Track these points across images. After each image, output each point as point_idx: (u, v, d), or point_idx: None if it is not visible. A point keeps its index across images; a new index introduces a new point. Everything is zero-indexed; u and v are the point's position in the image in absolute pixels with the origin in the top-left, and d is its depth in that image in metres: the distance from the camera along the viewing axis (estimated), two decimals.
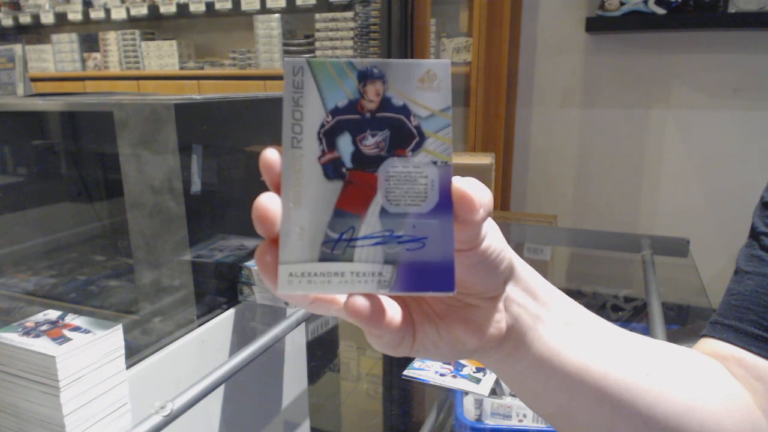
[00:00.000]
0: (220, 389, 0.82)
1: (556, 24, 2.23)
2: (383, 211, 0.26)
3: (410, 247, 0.25)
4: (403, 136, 0.26)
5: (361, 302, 0.25)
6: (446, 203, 0.26)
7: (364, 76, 0.26)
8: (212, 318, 0.83)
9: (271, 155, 0.26)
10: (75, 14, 3.22)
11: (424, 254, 0.26)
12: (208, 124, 0.83)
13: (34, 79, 1.29)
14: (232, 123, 0.89)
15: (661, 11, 1.98)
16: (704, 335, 0.45)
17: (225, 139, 0.87)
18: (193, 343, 0.79)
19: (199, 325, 0.81)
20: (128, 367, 0.62)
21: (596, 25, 2.09)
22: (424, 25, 1.66)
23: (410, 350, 0.30)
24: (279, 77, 2.72)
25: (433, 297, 0.31)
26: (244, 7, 2.77)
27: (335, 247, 0.25)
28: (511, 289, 0.31)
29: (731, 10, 1.93)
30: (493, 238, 0.28)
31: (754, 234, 0.47)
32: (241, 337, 0.88)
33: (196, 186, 0.80)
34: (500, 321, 0.30)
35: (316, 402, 1.10)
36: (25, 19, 3.35)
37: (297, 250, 0.25)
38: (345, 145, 0.26)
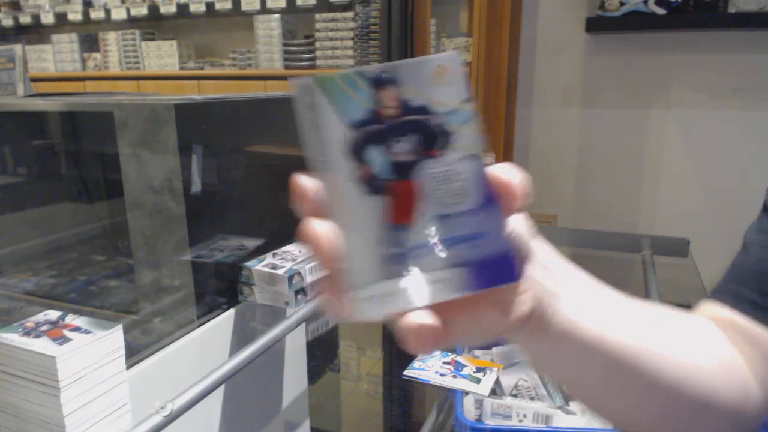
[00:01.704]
0: (220, 389, 0.82)
1: (556, 24, 2.23)
2: (430, 216, 0.25)
3: (467, 245, 0.25)
4: (430, 137, 0.25)
5: (421, 319, 0.25)
6: (488, 194, 0.26)
7: (377, 83, 0.25)
8: (212, 318, 0.83)
9: (303, 182, 0.26)
10: (75, 14, 3.22)
11: (483, 249, 0.26)
12: (208, 124, 0.83)
13: (34, 79, 1.29)
14: (232, 123, 0.89)
15: (661, 11, 1.98)
16: (705, 299, 0.47)
17: (225, 139, 0.87)
18: (193, 343, 0.79)
19: (199, 325, 0.81)
20: (128, 367, 0.62)
21: (596, 25, 2.09)
22: (424, 25, 1.66)
23: (443, 344, 0.31)
24: (279, 77, 2.72)
25: None
26: (244, 7, 2.77)
27: (396, 262, 0.25)
28: (530, 269, 0.31)
29: (731, 10, 1.93)
30: (514, 222, 0.28)
31: (766, 208, 0.48)
32: (241, 337, 0.88)
33: (196, 186, 0.80)
34: (524, 302, 0.30)
35: (316, 402, 1.10)
36: (25, 19, 3.35)
37: (360, 273, 0.25)
38: (374, 157, 0.25)
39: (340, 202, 0.25)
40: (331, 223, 0.25)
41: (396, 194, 0.25)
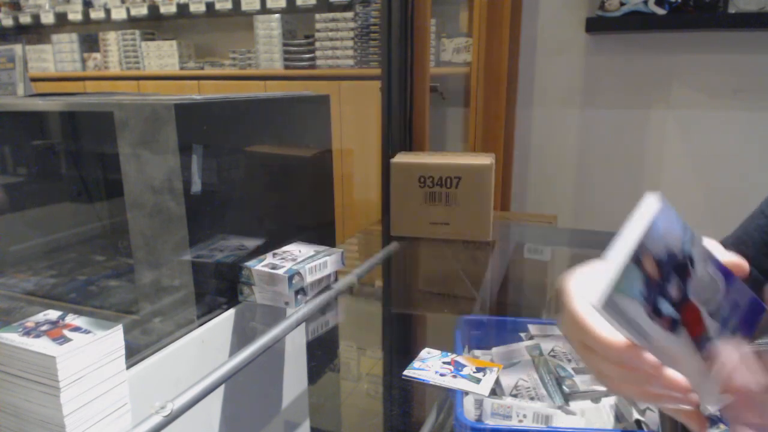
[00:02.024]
0: (220, 389, 0.82)
1: (556, 24, 2.23)
2: (708, 316, 0.36)
3: (733, 312, 0.36)
4: (683, 270, 0.36)
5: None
6: (726, 272, 0.38)
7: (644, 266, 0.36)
8: (212, 318, 0.83)
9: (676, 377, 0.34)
10: (75, 14, 3.22)
11: (741, 307, 0.37)
12: (208, 124, 0.83)
13: (34, 79, 1.29)
14: (232, 123, 0.89)
15: (661, 11, 1.98)
16: None
17: (225, 139, 0.87)
18: (193, 343, 0.79)
19: (199, 325, 0.81)
20: (128, 367, 0.62)
21: (596, 25, 2.09)
22: (424, 25, 1.66)
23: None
24: (279, 77, 2.72)
25: None
26: (244, 7, 2.77)
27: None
28: None
29: (731, 10, 1.93)
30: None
31: None
32: (241, 337, 0.88)
33: (196, 186, 0.80)
34: None
35: (316, 402, 1.10)
36: (25, 19, 3.35)
37: (699, 389, 0.34)
38: (664, 307, 0.34)
39: (667, 350, 0.33)
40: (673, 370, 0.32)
41: (687, 319, 0.34)
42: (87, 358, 0.55)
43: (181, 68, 3.04)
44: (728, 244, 0.52)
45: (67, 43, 3.29)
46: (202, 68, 3.02)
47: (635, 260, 0.33)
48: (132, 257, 0.84)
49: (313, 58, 2.70)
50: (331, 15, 2.60)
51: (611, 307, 0.32)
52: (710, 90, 2.05)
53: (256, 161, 0.94)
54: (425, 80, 1.69)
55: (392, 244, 1.39)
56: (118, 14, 3.09)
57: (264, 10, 2.74)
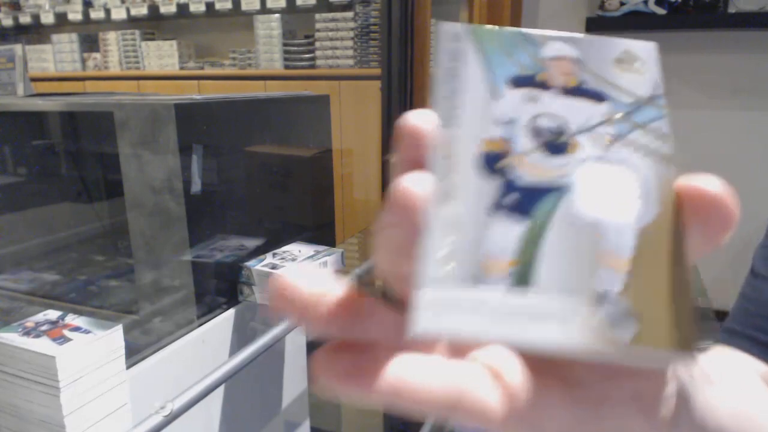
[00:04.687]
0: (220, 389, 0.82)
1: (556, 24, 2.23)
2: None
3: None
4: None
5: (500, 362, 0.17)
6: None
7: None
8: (212, 318, 0.83)
9: (415, 120, 0.18)
10: (75, 14, 3.22)
11: None
12: (208, 124, 0.83)
13: (34, 79, 1.29)
14: (232, 123, 0.89)
15: (661, 11, 1.98)
16: (721, 343, 0.41)
17: (225, 139, 0.87)
18: (193, 343, 0.79)
19: (199, 325, 0.81)
20: (128, 367, 0.62)
21: (596, 25, 2.09)
22: (424, 25, 1.66)
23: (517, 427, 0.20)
24: (279, 77, 2.72)
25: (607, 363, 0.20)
26: (244, 7, 2.77)
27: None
28: None
29: (731, 10, 1.93)
30: None
31: None
32: (241, 337, 0.88)
33: (196, 186, 0.80)
34: (670, 396, 0.22)
35: (316, 402, 1.10)
36: (25, 19, 3.35)
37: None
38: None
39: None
40: (432, 187, 0.17)
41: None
42: (87, 358, 0.55)
43: (181, 68, 3.03)
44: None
45: (67, 43, 3.29)
46: (202, 68, 3.02)
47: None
48: (132, 257, 0.84)
49: (313, 58, 2.70)
50: (331, 15, 2.60)
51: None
52: (710, 90, 2.05)
53: (256, 161, 0.94)
54: (425, 80, 1.69)
55: None
56: (118, 14, 3.09)
57: (264, 10, 2.74)
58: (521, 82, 0.20)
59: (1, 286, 1.01)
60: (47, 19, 3.29)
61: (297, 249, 0.94)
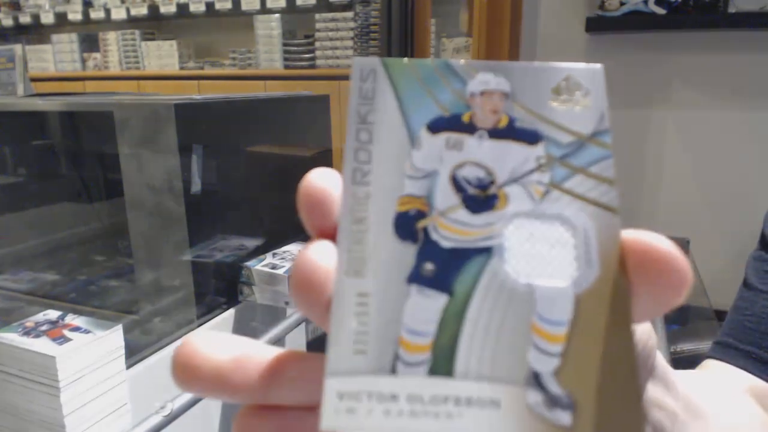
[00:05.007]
0: None
1: (556, 24, 2.23)
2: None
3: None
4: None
5: None
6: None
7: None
8: (212, 318, 0.83)
9: (319, 181, 0.16)
10: (75, 14, 3.22)
11: None
12: (208, 124, 0.83)
13: (34, 79, 1.29)
14: (232, 123, 0.89)
15: (661, 11, 1.98)
16: (715, 357, 0.42)
17: (225, 139, 0.87)
18: None
19: (199, 325, 0.81)
20: (128, 367, 0.62)
21: (596, 25, 2.09)
22: (424, 25, 1.67)
23: None
24: (279, 77, 2.72)
25: None
26: (244, 7, 2.77)
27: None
28: (651, 388, 0.22)
29: (731, 10, 1.93)
30: (645, 330, 0.20)
31: (765, 244, 0.44)
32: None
33: (196, 186, 0.80)
34: None
35: None
36: (25, 19, 3.35)
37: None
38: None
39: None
40: (338, 259, 0.15)
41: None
42: (87, 357, 0.55)
43: (181, 68, 3.04)
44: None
45: (67, 43, 3.29)
46: (202, 68, 3.02)
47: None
48: (132, 257, 0.84)
49: (313, 58, 2.70)
50: (331, 15, 2.60)
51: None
52: (710, 90, 2.05)
53: (256, 161, 0.94)
54: None
55: None
56: (118, 14, 3.09)
57: (264, 10, 2.74)
58: (443, 125, 0.17)
59: (1, 286, 1.01)
60: (47, 19, 3.29)
61: (297, 249, 0.94)
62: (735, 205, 2.03)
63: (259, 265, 0.87)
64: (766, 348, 0.40)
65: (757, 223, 0.49)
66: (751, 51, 1.97)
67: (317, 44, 2.66)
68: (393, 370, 0.15)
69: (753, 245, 0.48)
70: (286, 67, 2.76)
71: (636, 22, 2.03)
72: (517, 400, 0.14)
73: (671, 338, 1.02)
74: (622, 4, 2.02)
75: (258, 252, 0.92)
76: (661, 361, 0.23)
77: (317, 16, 2.62)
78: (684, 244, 1.41)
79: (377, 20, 2.44)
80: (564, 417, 0.14)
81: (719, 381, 0.35)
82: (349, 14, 2.55)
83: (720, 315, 0.74)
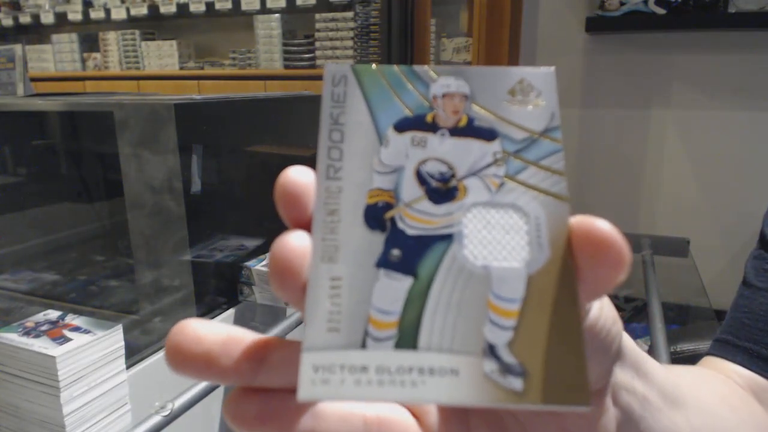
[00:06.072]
0: (220, 389, 0.82)
1: (556, 24, 2.23)
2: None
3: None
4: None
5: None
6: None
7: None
8: (212, 318, 0.83)
9: (294, 177, 0.17)
10: (75, 14, 3.22)
11: None
12: (208, 124, 0.83)
13: (34, 79, 1.29)
14: (232, 123, 0.89)
15: (661, 11, 1.98)
16: (713, 354, 0.42)
17: (225, 139, 0.87)
18: None
19: None
20: (128, 367, 0.62)
21: (596, 25, 2.09)
22: (424, 25, 1.67)
23: None
24: (279, 77, 2.72)
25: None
26: (244, 7, 2.77)
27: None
28: (619, 372, 0.22)
29: (731, 10, 1.93)
30: (602, 303, 0.20)
31: (765, 243, 0.45)
32: None
33: (196, 186, 0.80)
34: (609, 422, 0.21)
35: None
36: (25, 19, 3.35)
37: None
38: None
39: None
40: (312, 247, 0.17)
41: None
42: (87, 357, 0.55)
43: (181, 68, 3.04)
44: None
45: (67, 43, 3.29)
46: (202, 68, 3.02)
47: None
48: (132, 257, 0.84)
49: (313, 58, 2.70)
50: (331, 15, 2.60)
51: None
52: (710, 90, 2.05)
53: (256, 161, 0.94)
54: None
55: None
56: (118, 14, 3.09)
57: (264, 10, 2.74)
58: (408, 125, 0.19)
59: (1, 286, 1.01)
60: (47, 19, 3.29)
61: None
62: (735, 205, 2.03)
63: (259, 265, 0.87)
64: (763, 344, 0.40)
65: (757, 223, 0.49)
66: (751, 51, 1.97)
67: (317, 44, 2.66)
68: (363, 345, 0.16)
69: (753, 245, 0.48)
70: (286, 67, 2.76)
71: (636, 22, 2.03)
72: (474, 369, 0.16)
73: (671, 338, 1.02)
74: (622, 4, 2.02)
75: (258, 252, 0.92)
76: (633, 348, 0.23)
77: (317, 16, 2.62)
78: (684, 244, 1.41)
79: (377, 20, 2.44)
80: (516, 383, 0.16)
81: (708, 375, 0.35)
82: (349, 14, 2.55)
83: (720, 315, 0.74)
